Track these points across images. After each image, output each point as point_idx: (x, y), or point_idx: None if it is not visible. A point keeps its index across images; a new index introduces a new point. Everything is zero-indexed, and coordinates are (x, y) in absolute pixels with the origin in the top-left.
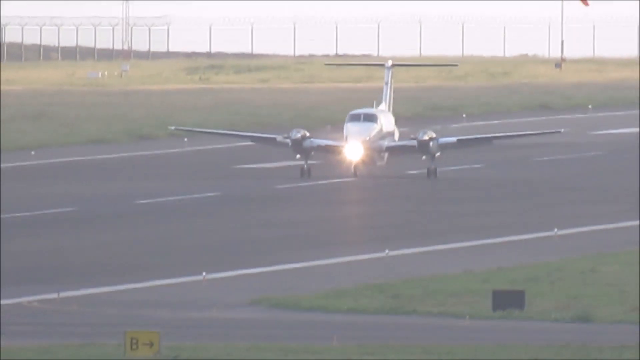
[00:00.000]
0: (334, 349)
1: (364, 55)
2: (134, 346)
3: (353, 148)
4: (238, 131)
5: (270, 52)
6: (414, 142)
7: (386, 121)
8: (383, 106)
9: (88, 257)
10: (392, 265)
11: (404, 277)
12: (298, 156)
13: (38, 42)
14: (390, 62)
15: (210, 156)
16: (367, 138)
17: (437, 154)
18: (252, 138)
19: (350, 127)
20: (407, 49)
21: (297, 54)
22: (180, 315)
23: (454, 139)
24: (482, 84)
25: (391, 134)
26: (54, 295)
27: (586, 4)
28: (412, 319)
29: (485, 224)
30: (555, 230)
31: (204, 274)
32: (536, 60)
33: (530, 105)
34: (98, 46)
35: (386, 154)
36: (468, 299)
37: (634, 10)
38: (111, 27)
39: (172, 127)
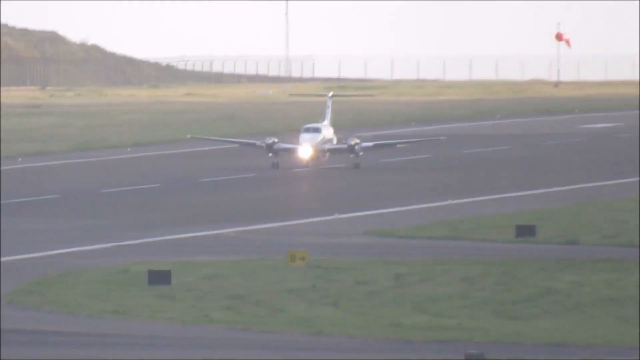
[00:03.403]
0: (417, 262)
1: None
2: (292, 260)
3: (306, 150)
4: (238, 138)
5: (375, 77)
6: (345, 146)
7: (327, 132)
8: (326, 122)
9: (264, 205)
10: (454, 210)
11: (459, 217)
12: (270, 154)
13: (232, 72)
14: (331, 94)
15: None
16: (315, 143)
17: (360, 154)
18: (241, 143)
19: (303, 136)
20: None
21: (393, 78)
22: (321, 240)
23: (371, 144)
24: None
25: (331, 140)
26: (243, 228)
27: (568, 45)
28: (463, 243)
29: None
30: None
31: (335, 214)
32: (540, 82)
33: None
34: (270, 74)
35: (327, 154)
36: (498, 231)
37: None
38: (278, 62)
39: (189, 136)
